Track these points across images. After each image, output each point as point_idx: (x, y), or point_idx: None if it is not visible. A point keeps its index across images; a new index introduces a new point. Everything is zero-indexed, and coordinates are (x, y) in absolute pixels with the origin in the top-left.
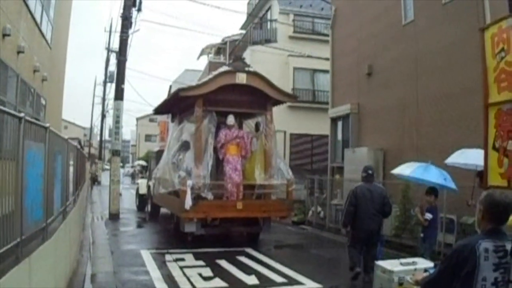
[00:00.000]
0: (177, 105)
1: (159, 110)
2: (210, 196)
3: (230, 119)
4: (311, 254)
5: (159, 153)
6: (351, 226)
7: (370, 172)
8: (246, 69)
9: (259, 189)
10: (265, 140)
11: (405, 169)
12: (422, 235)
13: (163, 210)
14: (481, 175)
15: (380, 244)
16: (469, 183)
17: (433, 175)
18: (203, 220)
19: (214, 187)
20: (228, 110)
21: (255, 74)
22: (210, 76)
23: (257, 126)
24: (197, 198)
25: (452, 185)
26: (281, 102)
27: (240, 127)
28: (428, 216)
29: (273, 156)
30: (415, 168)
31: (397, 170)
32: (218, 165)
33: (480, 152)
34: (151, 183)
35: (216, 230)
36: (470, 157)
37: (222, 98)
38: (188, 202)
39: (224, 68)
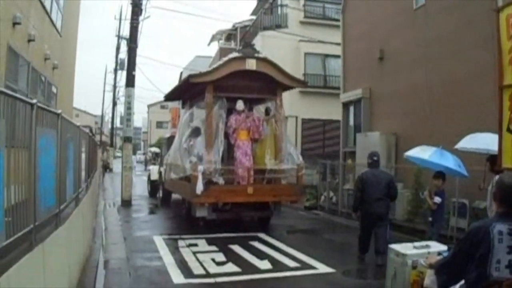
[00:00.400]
0: (187, 91)
1: (170, 97)
2: (221, 181)
3: (239, 104)
4: (324, 239)
5: (170, 139)
6: (360, 210)
7: (375, 158)
8: (256, 55)
9: (269, 173)
10: (275, 125)
11: (422, 152)
12: (430, 219)
13: (174, 196)
14: (492, 159)
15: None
16: (481, 168)
17: (450, 161)
18: (214, 205)
19: (225, 172)
20: (238, 96)
21: (265, 60)
22: (220, 62)
23: (267, 111)
24: (208, 183)
25: (464, 171)
26: (290, 88)
27: (250, 111)
28: (437, 199)
29: (283, 141)
30: (432, 153)
31: (412, 153)
32: (229, 150)
33: (491, 136)
34: (162, 169)
35: (227, 215)
36: (481, 142)
37: (232, 84)
38: (200, 187)
39: (234, 55)
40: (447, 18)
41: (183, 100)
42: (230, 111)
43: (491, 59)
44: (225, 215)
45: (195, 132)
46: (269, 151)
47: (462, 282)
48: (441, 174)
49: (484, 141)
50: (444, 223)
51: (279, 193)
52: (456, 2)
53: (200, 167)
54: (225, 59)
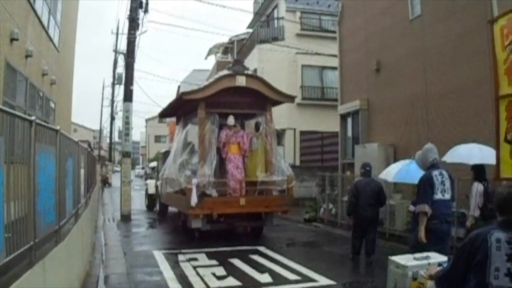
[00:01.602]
0: (181, 108)
1: (164, 114)
2: (214, 193)
3: (230, 120)
4: (324, 251)
5: (166, 154)
6: (353, 214)
7: (367, 168)
8: (246, 72)
9: (260, 185)
10: (265, 139)
11: (389, 174)
12: (410, 226)
13: (171, 210)
14: (475, 168)
15: None
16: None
17: (414, 175)
18: (209, 216)
19: (218, 185)
20: (230, 111)
21: (254, 77)
22: (211, 79)
23: (257, 126)
24: (202, 195)
25: None
26: (279, 103)
27: (242, 127)
28: (411, 208)
29: (273, 154)
30: (396, 173)
31: (382, 175)
32: (222, 164)
33: (471, 147)
34: (159, 183)
35: (222, 226)
36: (457, 155)
37: (224, 100)
38: (194, 199)
39: (224, 72)
40: (443, 28)
41: (177, 116)
42: (222, 126)
43: (488, 69)
44: (219, 226)
45: (189, 147)
46: (260, 164)
47: None
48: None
49: (461, 154)
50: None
51: (270, 204)
52: (452, 12)
53: (194, 180)
54: (216, 76)
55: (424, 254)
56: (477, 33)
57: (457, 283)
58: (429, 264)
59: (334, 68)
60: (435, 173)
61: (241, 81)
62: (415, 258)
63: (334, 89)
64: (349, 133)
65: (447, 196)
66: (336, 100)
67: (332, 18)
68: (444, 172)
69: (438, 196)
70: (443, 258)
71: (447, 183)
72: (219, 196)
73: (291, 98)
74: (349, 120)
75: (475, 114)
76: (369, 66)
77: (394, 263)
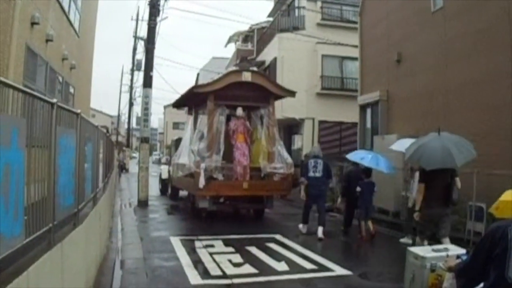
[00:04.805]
0: (192, 100)
1: (177, 104)
2: (220, 177)
3: (239, 111)
4: (340, 241)
5: (178, 141)
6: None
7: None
8: (251, 68)
9: (263, 171)
10: (267, 129)
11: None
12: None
13: (184, 195)
14: None
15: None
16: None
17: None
18: (215, 198)
19: (224, 169)
20: (236, 104)
21: (259, 73)
22: (220, 75)
23: (261, 118)
24: (209, 178)
25: (365, 162)
26: (282, 97)
27: (248, 118)
28: (358, 189)
29: (275, 144)
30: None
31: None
32: (229, 151)
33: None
34: (171, 168)
35: (226, 207)
36: (401, 146)
37: (231, 93)
38: (202, 182)
39: (232, 68)
40: (465, 21)
41: (189, 107)
42: (229, 117)
43: (508, 62)
44: (224, 207)
45: (199, 135)
46: (262, 152)
47: (481, 285)
48: (364, 170)
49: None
50: (367, 208)
51: (271, 188)
52: (474, 5)
53: (202, 165)
54: (224, 72)
55: (442, 246)
56: (498, 26)
57: (476, 275)
58: (447, 256)
59: (354, 59)
60: (311, 160)
61: (246, 76)
62: (433, 250)
63: (354, 79)
64: (368, 124)
65: (318, 174)
66: (355, 90)
67: (353, 8)
68: (319, 161)
69: (311, 174)
70: (461, 251)
71: (319, 167)
72: (224, 180)
73: (292, 93)
74: (369, 111)
75: (494, 107)
76: (390, 57)
77: (413, 254)
